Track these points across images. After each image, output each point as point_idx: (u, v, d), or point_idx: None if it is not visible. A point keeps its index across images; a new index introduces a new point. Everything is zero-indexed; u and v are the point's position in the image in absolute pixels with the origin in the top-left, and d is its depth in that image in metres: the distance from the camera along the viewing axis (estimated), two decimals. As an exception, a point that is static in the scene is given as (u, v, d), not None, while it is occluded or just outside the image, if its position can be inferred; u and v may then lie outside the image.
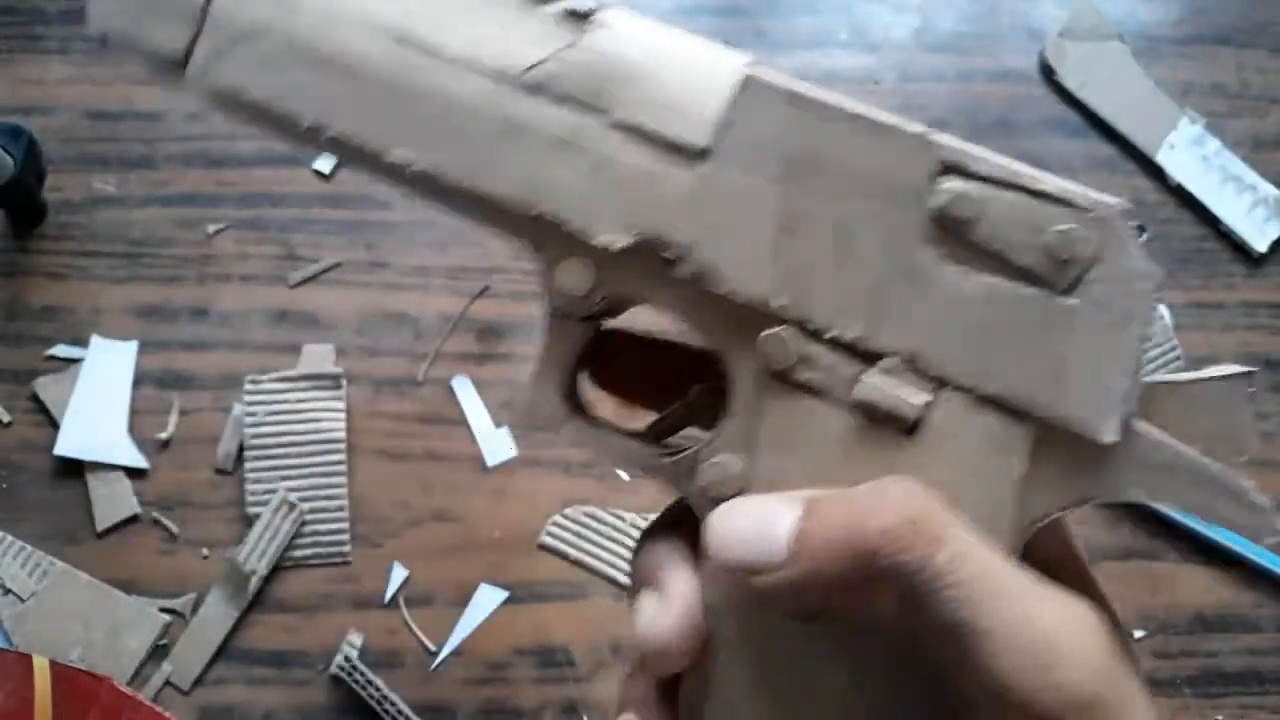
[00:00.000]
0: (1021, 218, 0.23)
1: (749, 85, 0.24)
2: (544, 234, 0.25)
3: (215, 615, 0.45)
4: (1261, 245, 0.52)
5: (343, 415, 0.47)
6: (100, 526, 0.46)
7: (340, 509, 0.46)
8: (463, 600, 0.46)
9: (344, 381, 0.47)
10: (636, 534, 0.46)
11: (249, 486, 0.46)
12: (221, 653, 0.45)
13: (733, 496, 0.24)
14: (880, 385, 0.23)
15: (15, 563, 0.45)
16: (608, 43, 0.24)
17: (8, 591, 0.45)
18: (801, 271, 0.23)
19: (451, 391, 0.48)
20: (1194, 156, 0.53)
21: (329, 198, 0.51)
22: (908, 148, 0.23)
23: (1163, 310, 0.50)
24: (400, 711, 0.44)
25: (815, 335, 0.24)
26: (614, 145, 0.24)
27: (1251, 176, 0.53)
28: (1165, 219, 0.53)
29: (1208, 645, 0.46)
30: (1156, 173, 0.53)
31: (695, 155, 0.24)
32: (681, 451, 0.26)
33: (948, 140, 0.23)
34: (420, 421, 0.48)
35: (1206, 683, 0.46)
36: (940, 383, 0.23)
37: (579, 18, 0.24)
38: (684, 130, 0.24)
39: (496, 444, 0.48)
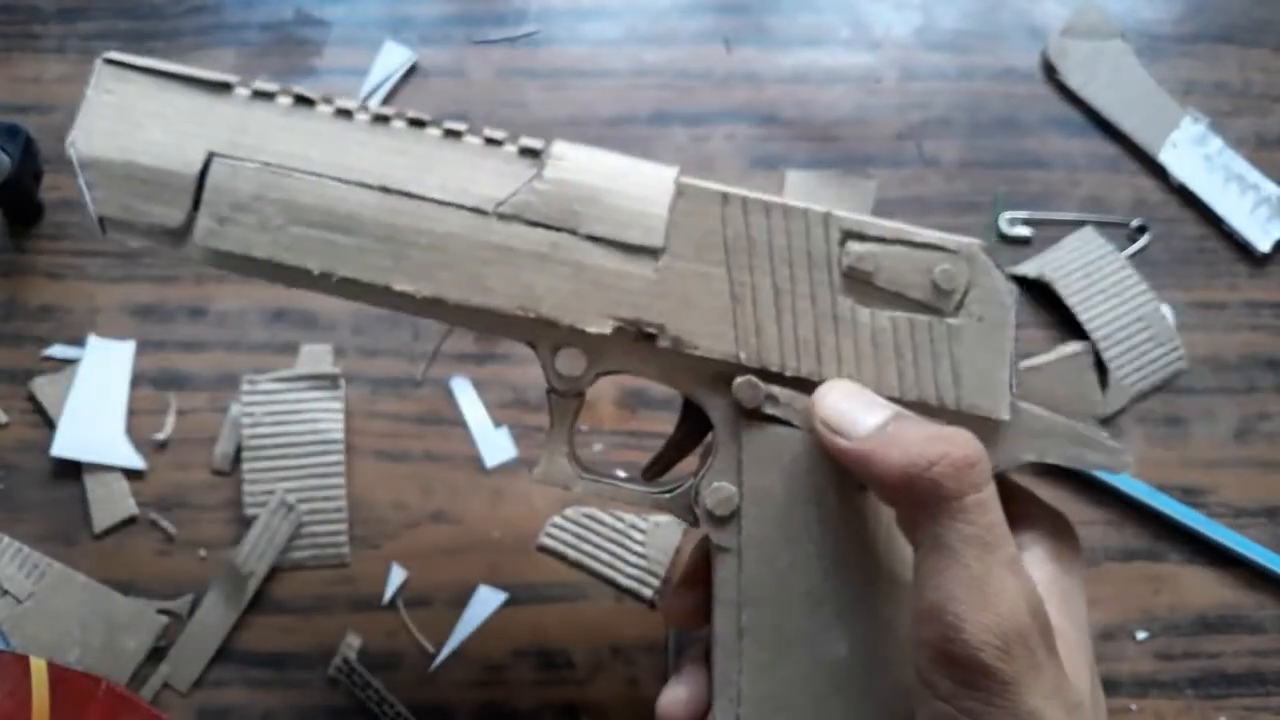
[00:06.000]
0: (910, 265, 0.30)
1: (684, 191, 0.30)
2: (540, 332, 0.30)
3: (213, 617, 0.45)
4: (1264, 245, 0.52)
5: (341, 416, 0.47)
6: (98, 527, 0.46)
7: (338, 510, 0.46)
8: (461, 602, 0.45)
9: (342, 382, 0.47)
10: (636, 535, 0.46)
11: (247, 487, 0.46)
12: (220, 654, 0.45)
13: (732, 514, 0.30)
14: None
15: (12, 564, 0.45)
16: (564, 171, 0.30)
17: (5, 593, 0.45)
18: (751, 328, 0.30)
19: (450, 392, 0.48)
20: (1197, 156, 0.53)
21: (327, 197, 0.51)
22: (813, 221, 0.30)
23: (1165, 310, 0.50)
24: (399, 713, 0.44)
25: (774, 377, 0.30)
26: (585, 253, 0.30)
27: (1254, 176, 0.53)
28: (1168, 218, 0.52)
29: (1210, 646, 0.46)
30: (1159, 172, 0.53)
31: (653, 253, 0.30)
32: (679, 486, 0.32)
33: (844, 214, 0.30)
34: (419, 422, 0.48)
35: (1209, 684, 0.46)
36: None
37: (534, 154, 0.30)
38: (641, 235, 0.30)
39: (495, 445, 0.47)
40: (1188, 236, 0.52)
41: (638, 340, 0.30)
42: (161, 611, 0.45)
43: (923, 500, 0.26)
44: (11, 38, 0.53)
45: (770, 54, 0.54)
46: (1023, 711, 0.25)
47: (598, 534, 0.46)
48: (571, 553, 0.46)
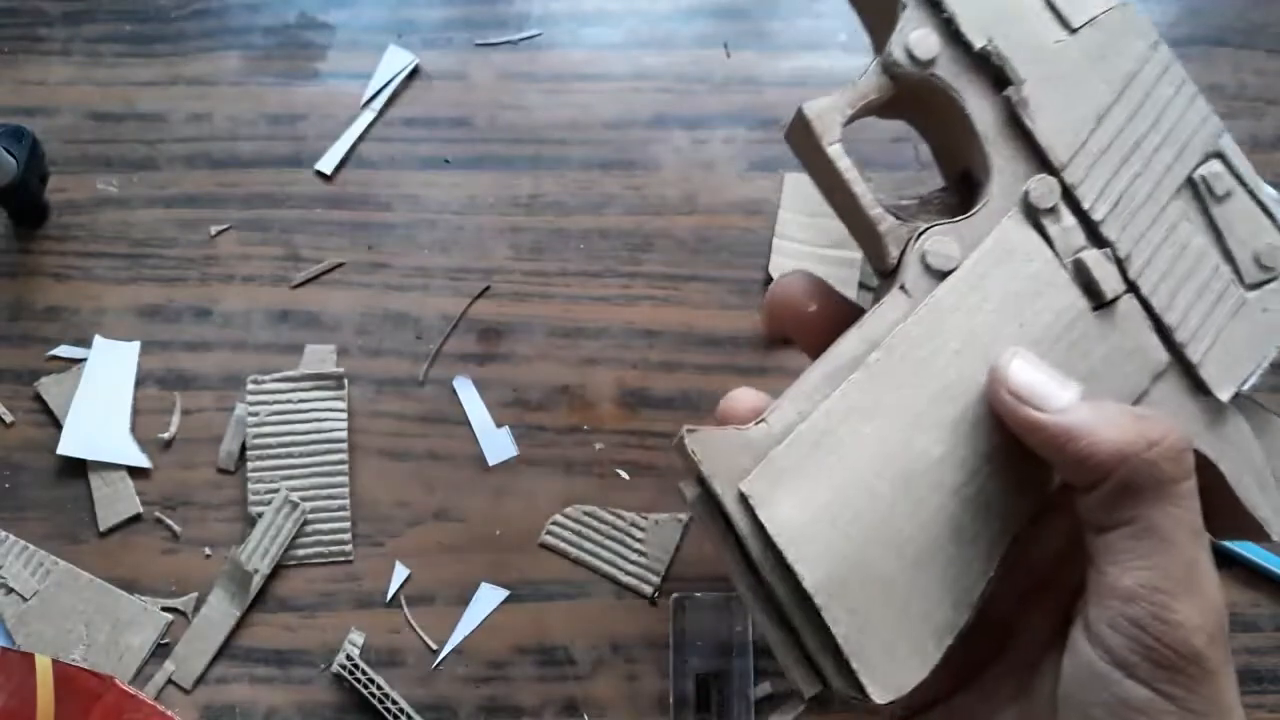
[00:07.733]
0: (1248, 218, 0.30)
1: (1126, 13, 0.30)
2: (920, 11, 0.30)
3: (217, 614, 0.45)
4: (1258, 246, 0.52)
5: (344, 415, 0.47)
6: (103, 526, 0.46)
7: (342, 508, 0.46)
8: (463, 599, 0.46)
9: (345, 381, 0.48)
10: (636, 533, 0.46)
11: (251, 486, 0.46)
12: (224, 651, 0.45)
13: (940, 272, 0.29)
14: (1099, 260, 0.29)
15: (18, 562, 0.45)
16: None
17: (10, 591, 0.45)
18: (1093, 152, 0.29)
19: (453, 391, 0.49)
20: (1191, 158, 0.53)
21: (331, 198, 0.51)
22: (1205, 124, 0.30)
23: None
24: (402, 710, 0.44)
25: (1072, 199, 0.29)
26: None
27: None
28: (1163, 220, 0.53)
29: (1205, 644, 0.47)
30: (1154, 174, 0.53)
31: (1067, 27, 0.30)
32: (913, 218, 0.31)
33: (1229, 139, 0.30)
34: (421, 421, 0.48)
35: (1204, 681, 0.46)
36: (1132, 286, 0.29)
37: None
38: (1066, 6, 0.30)
39: (497, 443, 0.48)
40: (1182, 238, 0.53)
41: (988, 76, 0.30)
42: (166, 609, 0.45)
43: (1138, 481, 0.25)
44: (17, 40, 0.54)
45: (769, 58, 0.55)
46: (1224, 704, 0.24)
47: (598, 531, 0.47)
48: (572, 550, 0.46)
